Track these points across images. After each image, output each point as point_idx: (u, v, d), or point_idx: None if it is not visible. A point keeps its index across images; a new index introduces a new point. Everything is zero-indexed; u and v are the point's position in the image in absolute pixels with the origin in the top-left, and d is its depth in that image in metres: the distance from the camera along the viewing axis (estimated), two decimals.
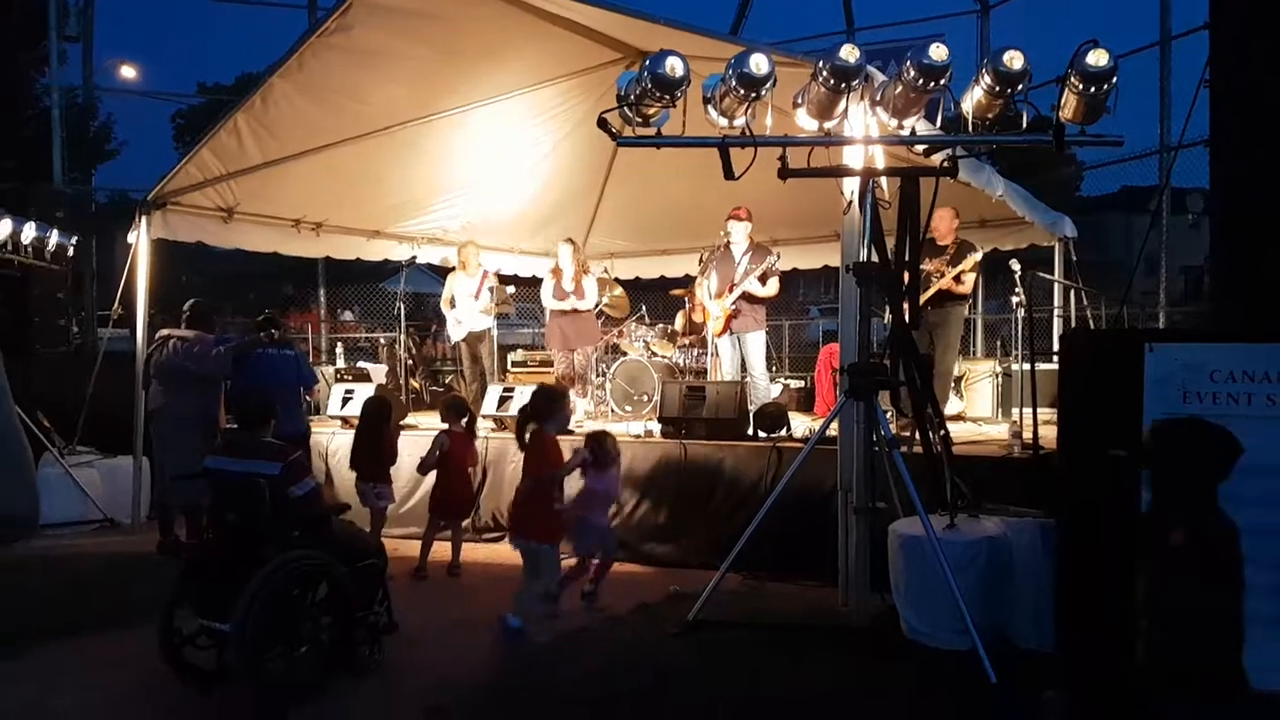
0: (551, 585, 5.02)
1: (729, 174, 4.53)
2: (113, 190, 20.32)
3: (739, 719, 3.91)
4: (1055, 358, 8.86)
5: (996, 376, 8.43)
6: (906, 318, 4.67)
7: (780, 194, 8.36)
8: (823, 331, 15.72)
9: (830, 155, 5.06)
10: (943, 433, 4.92)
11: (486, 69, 7.86)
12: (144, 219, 7.82)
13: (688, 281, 10.28)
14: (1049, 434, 6.04)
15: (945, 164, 4.65)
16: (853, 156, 5.03)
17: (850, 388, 4.75)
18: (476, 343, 9.41)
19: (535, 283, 10.56)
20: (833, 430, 5.25)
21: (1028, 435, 5.96)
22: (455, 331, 9.47)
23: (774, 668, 4.44)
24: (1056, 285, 9.39)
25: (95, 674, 4.41)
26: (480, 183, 9.80)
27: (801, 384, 10.43)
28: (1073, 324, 7.99)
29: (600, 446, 5.30)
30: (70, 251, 8.05)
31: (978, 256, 7.23)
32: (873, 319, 5.19)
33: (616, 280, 10.64)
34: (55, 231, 8.02)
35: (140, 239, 7.81)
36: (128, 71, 18.86)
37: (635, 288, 11.45)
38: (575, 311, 9.19)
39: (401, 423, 7.26)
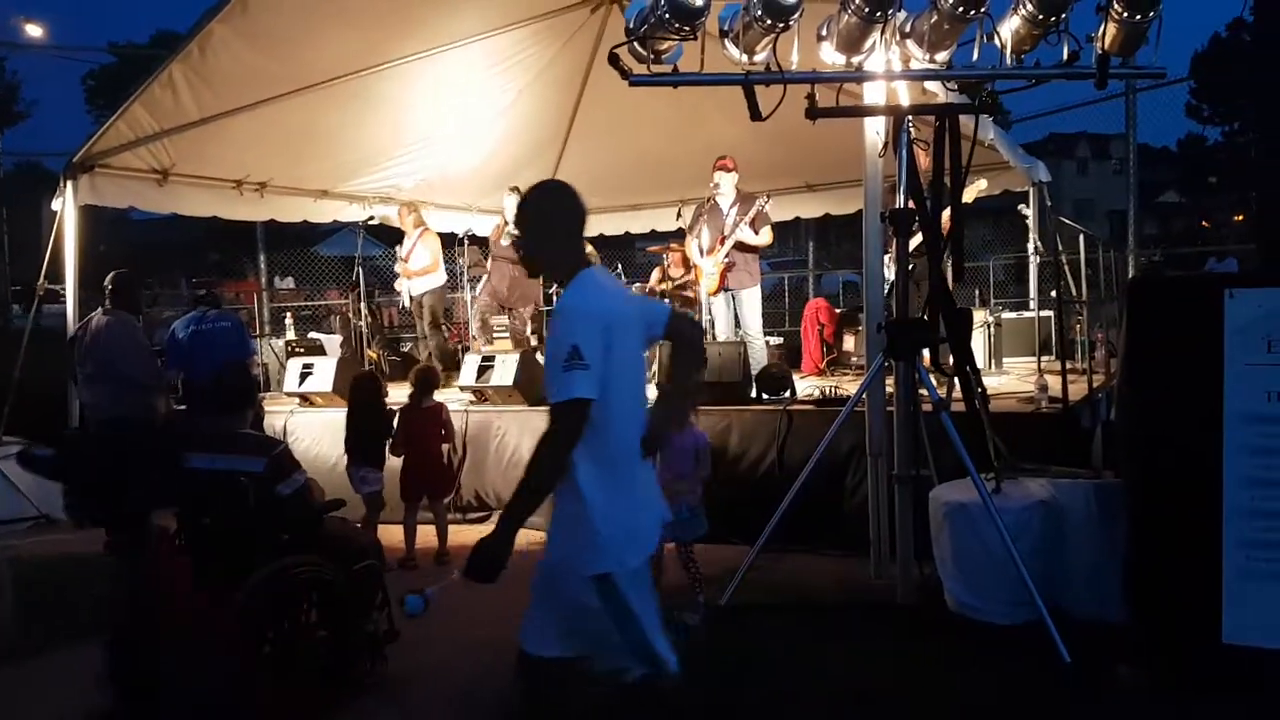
0: None
1: (755, 114, 4.07)
2: (22, 155, 18.97)
3: (813, 709, 3.53)
4: (1032, 306, 8.69)
5: (988, 326, 8.14)
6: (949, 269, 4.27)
7: (749, 144, 8.00)
8: (786, 285, 15.35)
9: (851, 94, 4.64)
10: (980, 390, 4.57)
11: (444, 12, 7.23)
12: (69, 183, 7.08)
13: (658, 238, 9.84)
14: (1055, 384, 5.79)
15: (986, 99, 4.24)
16: (877, 95, 4.61)
17: (891, 346, 4.35)
18: (421, 306, 9.04)
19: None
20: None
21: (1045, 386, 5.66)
22: (404, 296, 9.15)
23: (825, 651, 4.08)
24: (1031, 231, 9.18)
25: (52, 703, 3.85)
26: (436, 137, 9.17)
27: (779, 340, 10.05)
28: (1070, 269, 7.67)
29: None
30: None
31: (975, 191, 6.91)
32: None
33: (586, 239, 10.10)
34: None
35: (66, 205, 7.07)
36: (33, 30, 17.57)
37: (610, 245, 10.93)
38: (513, 264, 8.54)
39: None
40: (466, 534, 6.33)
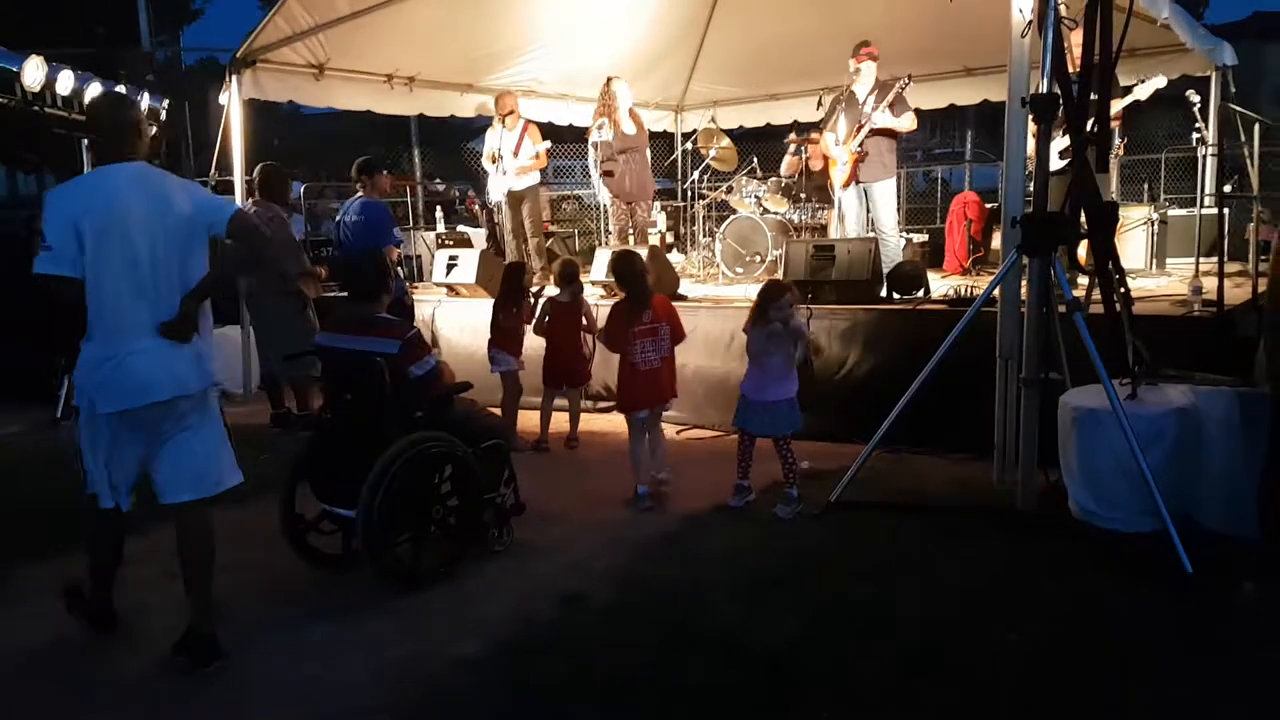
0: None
1: None
2: (201, 51, 20.03)
3: (909, 606, 3.57)
4: (1208, 203, 8.00)
5: (1151, 224, 7.59)
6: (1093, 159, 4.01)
7: (899, 25, 7.57)
8: (940, 180, 14.65)
9: None
10: (1123, 290, 4.32)
11: None
12: (234, 78, 7.48)
13: (801, 128, 9.55)
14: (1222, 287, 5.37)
15: None
16: None
17: (1025, 242, 4.16)
18: (519, 203, 8.73)
19: None
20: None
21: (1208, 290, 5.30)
22: (495, 190, 8.87)
23: (934, 552, 4.08)
24: (1212, 120, 8.38)
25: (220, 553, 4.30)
26: (576, 29, 9.15)
27: (924, 238, 9.71)
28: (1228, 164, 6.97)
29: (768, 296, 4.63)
30: (163, 115, 7.81)
31: (1151, 88, 6.37)
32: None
33: (724, 131, 9.95)
34: (146, 95, 7.77)
35: (232, 100, 7.49)
36: None
37: (750, 137, 10.70)
38: (624, 156, 8.12)
39: None
40: (595, 421, 6.57)
